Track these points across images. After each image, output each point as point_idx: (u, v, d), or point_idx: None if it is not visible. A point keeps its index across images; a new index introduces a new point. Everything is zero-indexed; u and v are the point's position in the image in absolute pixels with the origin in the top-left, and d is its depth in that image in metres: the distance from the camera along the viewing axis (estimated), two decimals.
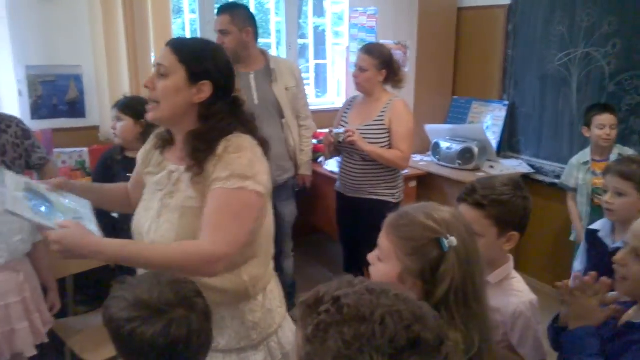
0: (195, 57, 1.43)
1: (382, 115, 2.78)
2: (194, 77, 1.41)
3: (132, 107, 2.45)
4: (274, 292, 1.66)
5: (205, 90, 1.42)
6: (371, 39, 4.03)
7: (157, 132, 1.61)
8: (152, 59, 3.54)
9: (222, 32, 2.71)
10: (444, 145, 3.64)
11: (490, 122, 3.84)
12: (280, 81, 2.85)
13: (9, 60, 2.97)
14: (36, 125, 2.95)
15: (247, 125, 1.51)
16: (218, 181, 1.38)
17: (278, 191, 2.93)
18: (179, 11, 4.21)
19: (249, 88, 2.79)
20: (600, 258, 2.01)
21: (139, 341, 0.98)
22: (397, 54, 3.85)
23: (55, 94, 3.16)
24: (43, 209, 1.41)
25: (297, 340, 0.78)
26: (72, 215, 1.46)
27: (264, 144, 1.52)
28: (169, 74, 1.41)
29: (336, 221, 3.17)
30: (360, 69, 2.77)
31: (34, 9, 3.01)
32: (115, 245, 1.31)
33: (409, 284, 1.09)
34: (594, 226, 2.18)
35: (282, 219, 3.05)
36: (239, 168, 1.38)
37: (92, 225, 1.46)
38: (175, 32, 3.76)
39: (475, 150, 3.49)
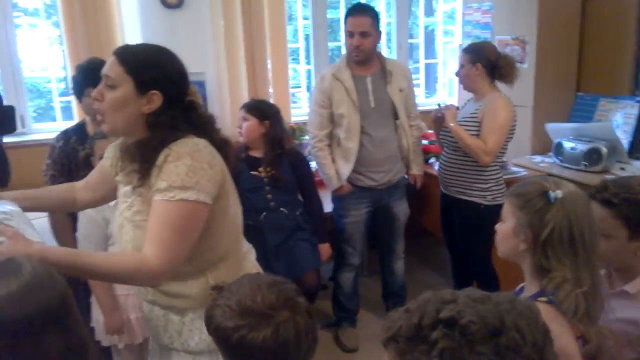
0: (142, 67, 1.39)
1: (477, 109, 2.73)
2: (142, 87, 1.38)
3: (257, 108, 2.67)
4: None
5: (155, 100, 1.39)
6: (486, 35, 3.89)
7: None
8: (269, 65, 3.70)
9: (363, 35, 2.69)
10: (567, 145, 3.40)
11: (620, 120, 3.52)
12: (394, 83, 2.84)
13: None
14: None
15: (203, 128, 1.46)
16: (158, 193, 1.34)
17: (392, 190, 2.97)
18: (291, 18, 4.34)
19: (366, 91, 2.80)
20: None
21: (249, 347, 0.99)
22: (515, 50, 3.68)
23: None
24: None
25: None
26: (2, 215, 1.38)
27: (223, 146, 1.49)
28: (116, 86, 1.38)
29: (440, 222, 3.13)
30: (460, 66, 2.80)
31: (164, 19, 3.27)
32: (60, 253, 1.28)
33: (521, 235, 1.27)
34: None
35: (395, 219, 3.05)
36: (178, 178, 1.33)
37: (28, 229, 1.39)
38: (288, 39, 3.89)
39: (604, 150, 3.22)
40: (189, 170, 1.35)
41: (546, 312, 1.08)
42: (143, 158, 1.39)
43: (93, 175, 1.70)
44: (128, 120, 1.40)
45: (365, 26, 2.68)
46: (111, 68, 1.39)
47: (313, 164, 3.03)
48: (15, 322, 0.86)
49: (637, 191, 1.39)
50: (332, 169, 2.82)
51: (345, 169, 2.82)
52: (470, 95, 2.91)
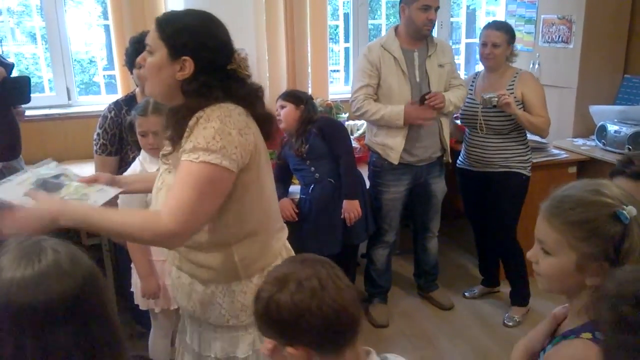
0: (175, 33, 1.38)
1: (511, 88, 2.88)
2: (175, 53, 1.38)
3: (292, 95, 2.86)
4: None
5: (187, 66, 1.38)
6: (531, 14, 3.78)
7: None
8: (309, 42, 3.71)
9: (494, 45, 2.85)
10: (611, 128, 3.30)
11: None
12: (433, 58, 2.86)
13: None
14: None
15: (244, 99, 1.43)
16: (184, 153, 1.34)
17: (431, 167, 2.99)
18: (333, 12, 4.30)
19: (412, 65, 2.83)
20: None
21: (286, 310, 1.00)
22: (561, 30, 3.57)
23: None
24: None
25: None
26: (76, 196, 1.47)
27: (265, 120, 1.47)
28: (152, 51, 1.40)
29: (462, 197, 3.22)
30: (493, 45, 2.84)
31: (207, 2, 3.29)
32: (78, 208, 1.33)
33: (591, 269, 1.01)
34: None
35: (432, 196, 3.06)
36: (203, 140, 1.31)
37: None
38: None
39: None
40: (216, 133, 1.32)
41: (588, 350, 0.99)
42: (174, 125, 1.41)
43: None
44: (164, 86, 1.41)
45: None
46: (150, 34, 1.42)
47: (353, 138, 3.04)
48: (21, 310, 0.79)
49: None
50: (382, 107, 2.78)
51: (399, 143, 2.83)
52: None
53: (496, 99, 2.79)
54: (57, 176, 1.57)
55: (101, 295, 0.87)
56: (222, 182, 1.35)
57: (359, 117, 2.96)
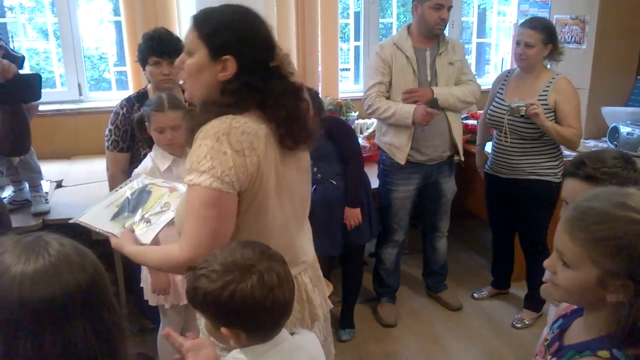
0: (215, 31, 1.31)
1: (544, 94, 2.72)
2: (216, 52, 1.30)
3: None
4: (306, 283, 1.49)
5: (229, 66, 1.30)
6: (544, 14, 3.75)
7: None
8: (319, 40, 3.71)
9: (528, 45, 2.69)
10: (624, 130, 3.28)
11: None
12: (444, 56, 2.85)
13: None
14: None
15: (277, 100, 1.33)
16: (185, 173, 1.30)
17: (441, 167, 2.98)
18: (343, 11, 4.29)
19: (424, 64, 2.82)
20: None
21: (241, 300, 1.04)
22: (574, 30, 3.54)
23: None
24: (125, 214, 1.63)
25: None
26: (157, 210, 1.64)
27: (287, 123, 1.33)
28: (192, 52, 1.33)
29: (486, 204, 3.13)
30: (526, 45, 2.68)
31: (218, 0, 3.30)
32: (132, 250, 1.47)
33: (614, 286, 0.95)
34: None
35: (442, 195, 3.05)
36: (196, 160, 1.25)
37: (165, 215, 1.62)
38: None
39: None
40: (208, 152, 1.24)
41: None
42: (192, 127, 1.33)
43: None
44: (205, 88, 1.34)
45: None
46: (188, 34, 1.35)
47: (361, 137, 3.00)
48: (40, 304, 0.77)
49: (612, 164, 1.43)
50: (393, 105, 2.77)
51: (405, 143, 2.82)
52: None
53: (524, 108, 2.62)
54: (144, 187, 1.73)
55: (107, 282, 0.88)
56: (221, 204, 1.27)
57: (371, 115, 2.94)
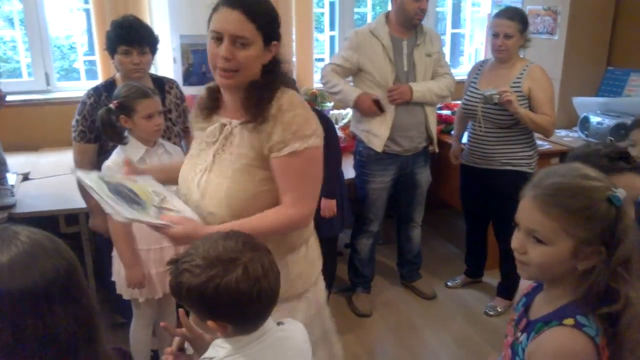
0: (269, 22, 1.43)
1: (518, 82, 2.73)
2: (268, 40, 1.43)
3: None
4: (314, 245, 1.68)
5: (274, 50, 1.46)
6: (517, 4, 3.78)
7: (201, 95, 1.60)
8: (294, 36, 3.67)
9: (507, 36, 2.68)
10: (594, 119, 3.33)
11: None
12: (421, 47, 2.84)
13: (167, 29, 3.24)
14: (187, 91, 3.19)
15: (288, 81, 1.52)
16: (284, 144, 1.40)
17: (416, 157, 2.98)
18: (319, 1, 4.24)
19: (401, 54, 2.81)
20: None
21: (227, 293, 1.03)
22: (546, 21, 3.58)
23: (204, 62, 3.35)
24: (136, 207, 1.43)
25: None
26: (157, 197, 1.50)
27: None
28: (249, 44, 1.39)
29: (460, 194, 3.15)
30: (505, 36, 2.68)
31: None
32: (222, 227, 1.36)
33: (587, 253, 1.03)
34: None
35: (417, 186, 3.06)
36: (300, 129, 1.41)
37: (176, 201, 1.51)
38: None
39: None
40: (306, 119, 1.44)
41: (575, 339, 1.02)
42: (267, 95, 1.43)
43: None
44: (254, 73, 1.44)
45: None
46: (242, 27, 1.37)
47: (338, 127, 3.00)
48: (20, 293, 0.76)
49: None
50: (343, 84, 2.81)
51: (383, 131, 2.81)
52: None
53: (497, 96, 2.64)
54: (115, 184, 1.50)
55: (81, 270, 0.87)
56: (321, 159, 1.48)
57: (323, 85, 2.97)
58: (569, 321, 1.04)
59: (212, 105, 1.55)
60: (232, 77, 1.42)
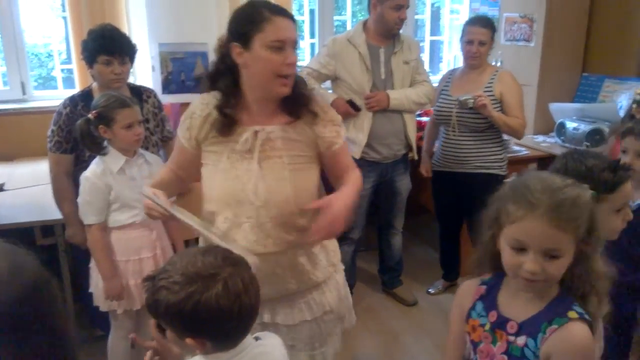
0: None
1: (489, 87, 2.81)
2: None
3: None
4: None
5: None
6: (494, 12, 3.84)
7: (212, 109, 1.60)
8: None
9: (481, 43, 2.78)
10: (570, 125, 3.39)
11: (625, 101, 3.49)
12: (399, 55, 2.85)
13: (145, 37, 3.22)
14: (166, 100, 3.17)
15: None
16: (338, 135, 1.66)
17: (395, 165, 3.00)
18: (300, 7, 4.26)
19: (378, 62, 2.82)
20: None
21: (206, 310, 1.01)
22: (522, 28, 3.63)
23: (183, 70, 3.38)
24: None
25: None
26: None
27: None
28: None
29: (433, 198, 3.20)
30: (480, 43, 2.76)
31: None
32: (350, 189, 1.59)
33: (580, 247, 1.10)
34: None
35: (397, 193, 3.08)
36: (338, 118, 1.68)
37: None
38: (293, 12, 3.84)
39: (607, 131, 3.22)
40: (333, 109, 1.71)
41: (587, 332, 1.10)
42: (304, 95, 1.60)
43: (177, 158, 1.71)
44: None
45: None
46: (294, 31, 1.53)
47: None
48: None
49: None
50: (318, 88, 2.80)
51: (361, 138, 2.82)
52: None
53: (472, 100, 2.72)
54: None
55: (53, 289, 0.79)
56: None
57: None
58: (572, 314, 1.09)
59: (229, 121, 1.57)
60: (288, 83, 1.53)
